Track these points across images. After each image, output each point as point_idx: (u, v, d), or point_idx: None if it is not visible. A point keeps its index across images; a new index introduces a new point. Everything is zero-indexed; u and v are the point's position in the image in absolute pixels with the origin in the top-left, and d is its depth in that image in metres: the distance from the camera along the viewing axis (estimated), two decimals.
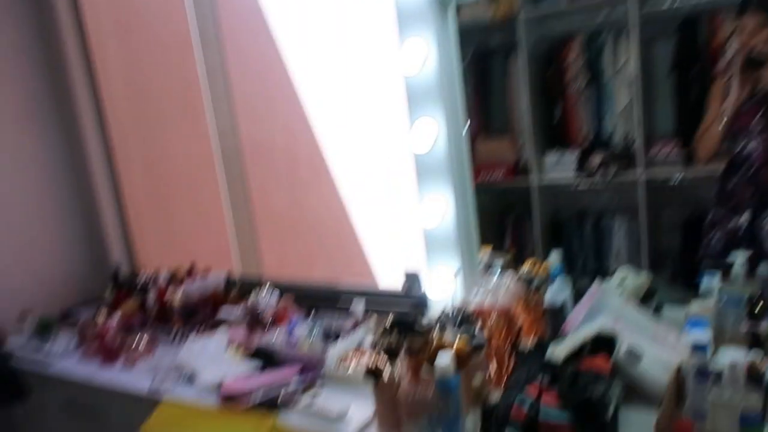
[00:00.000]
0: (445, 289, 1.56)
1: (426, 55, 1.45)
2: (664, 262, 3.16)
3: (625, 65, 3.10)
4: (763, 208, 2.12)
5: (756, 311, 1.27)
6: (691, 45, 2.40)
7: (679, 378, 1.14)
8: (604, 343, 1.19)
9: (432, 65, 1.46)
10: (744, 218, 2.12)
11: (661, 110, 3.25)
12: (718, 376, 1.04)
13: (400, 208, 1.98)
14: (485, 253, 1.80)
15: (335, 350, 1.57)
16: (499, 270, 1.64)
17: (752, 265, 1.44)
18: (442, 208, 1.54)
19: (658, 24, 3.07)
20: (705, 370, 1.05)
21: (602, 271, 3.31)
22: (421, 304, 1.67)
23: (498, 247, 3.51)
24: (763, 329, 1.21)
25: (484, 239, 3.58)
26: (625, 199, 3.47)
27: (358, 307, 1.77)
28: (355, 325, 1.72)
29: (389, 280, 2.05)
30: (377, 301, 1.81)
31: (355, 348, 1.60)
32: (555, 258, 1.54)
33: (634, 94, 3.07)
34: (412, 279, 1.75)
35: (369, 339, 1.61)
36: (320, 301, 1.97)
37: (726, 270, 1.42)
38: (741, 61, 1.97)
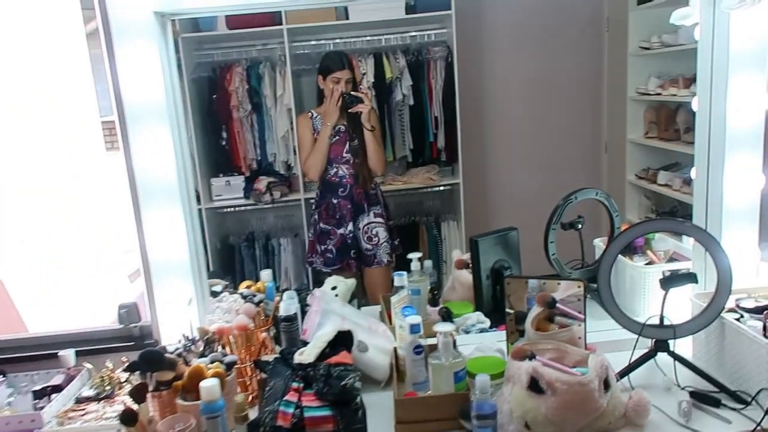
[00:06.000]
0: (179, 315, 1.42)
1: (153, 69, 1.28)
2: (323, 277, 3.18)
3: (282, 95, 3.24)
4: (357, 217, 2.63)
5: (435, 297, 1.59)
6: None
7: (397, 358, 1.36)
8: (342, 340, 1.27)
9: (159, 78, 1.29)
10: (349, 227, 2.60)
11: None
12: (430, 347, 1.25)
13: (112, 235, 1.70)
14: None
15: (51, 409, 1.29)
16: (221, 291, 1.61)
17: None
18: (175, 230, 1.37)
19: (306, 60, 3.29)
20: (420, 346, 1.27)
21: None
22: (144, 336, 1.50)
23: None
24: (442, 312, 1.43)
25: None
26: (288, 219, 3.63)
27: (68, 354, 1.45)
28: (70, 376, 1.44)
29: (103, 315, 1.76)
30: (92, 339, 1.54)
31: (77, 400, 1.35)
32: (267, 276, 1.65)
33: (291, 124, 3.22)
34: (129, 310, 1.54)
35: (88, 387, 1.37)
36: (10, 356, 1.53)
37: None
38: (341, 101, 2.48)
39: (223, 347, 1.34)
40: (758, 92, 1.33)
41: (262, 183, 3.34)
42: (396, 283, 1.59)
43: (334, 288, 1.65)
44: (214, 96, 3.27)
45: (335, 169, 2.57)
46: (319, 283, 3.29)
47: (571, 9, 3.45)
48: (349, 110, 2.47)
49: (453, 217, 3.52)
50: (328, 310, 1.42)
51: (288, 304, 1.42)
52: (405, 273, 1.61)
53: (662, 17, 2.81)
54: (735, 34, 1.31)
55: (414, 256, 1.73)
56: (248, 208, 3.44)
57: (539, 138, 3.65)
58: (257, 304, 1.58)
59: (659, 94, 2.94)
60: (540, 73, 3.56)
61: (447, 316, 1.36)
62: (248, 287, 1.69)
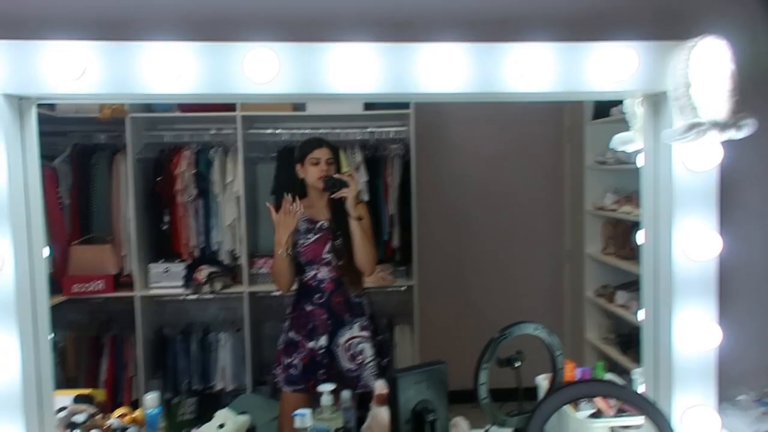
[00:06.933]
0: None
1: None
2: (266, 377, 2.90)
3: (232, 182, 3.04)
4: (337, 330, 2.17)
5: None
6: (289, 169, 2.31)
7: None
8: None
9: (0, 174, 1.06)
10: (322, 341, 2.14)
11: (264, 228, 3.17)
12: None
13: None
14: (65, 406, 1.40)
15: None
16: (83, 422, 1.31)
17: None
18: (1, 354, 1.09)
19: (260, 148, 3.15)
20: None
21: (207, 393, 3.14)
22: None
23: (94, 374, 3.10)
24: None
25: (76, 364, 2.94)
26: (230, 312, 3.29)
27: None
28: None
29: None
30: None
31: None
32: (152, 402, 1.35)
33: (240, 211, 3.03)
34: None
35: None
36: None
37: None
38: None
39: None
40: (707, 234, 1.16)
41: (203, 273, 3.09)
42: (296, 425, 1.32)
43: (221, 426, 1.36)
44: (159, 178, 3.08)
45: (314, 272, 2.15)
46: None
47: (532, 117, 3.40)
48: (332, 196, 2.11)
49: (407, 321, 3.27)
50: None
51: None
52: (308, 411, 1.35)
53: (616, 132, 2.79)
54: (679, 168, 1.15)
55: (325, 388, 1.47)
56: (188, 297, 3.16)
57: (499, 244, 3.51)
58: None
59: (615, 210, 2.82)
60: (500, 178, 3.48)
61: None
62: (122, 416, 1.41)
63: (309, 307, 2.16)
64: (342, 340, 2.15)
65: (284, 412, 2.17)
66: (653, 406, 1.07)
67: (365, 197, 3.12)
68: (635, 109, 1.27)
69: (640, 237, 1.30)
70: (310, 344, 2.14)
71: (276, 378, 2.21)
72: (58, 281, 2.91)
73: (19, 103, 1.08)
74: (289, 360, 2.16)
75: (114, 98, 1.13)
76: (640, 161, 1.28)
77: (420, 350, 3.13)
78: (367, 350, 2.16)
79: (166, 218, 3.09)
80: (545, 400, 1.13)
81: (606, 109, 2.75)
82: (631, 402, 1.09)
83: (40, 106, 1.12)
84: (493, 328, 1.47)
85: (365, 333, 2.18)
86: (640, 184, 1.28)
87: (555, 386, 1.45)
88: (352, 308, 2.18)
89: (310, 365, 2.13)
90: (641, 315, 1.30)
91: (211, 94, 1.07)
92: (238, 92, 1.07)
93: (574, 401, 1.39)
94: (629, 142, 1.31)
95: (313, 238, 2.15)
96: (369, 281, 3.07)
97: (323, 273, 2.15)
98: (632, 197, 2.67)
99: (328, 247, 2.15)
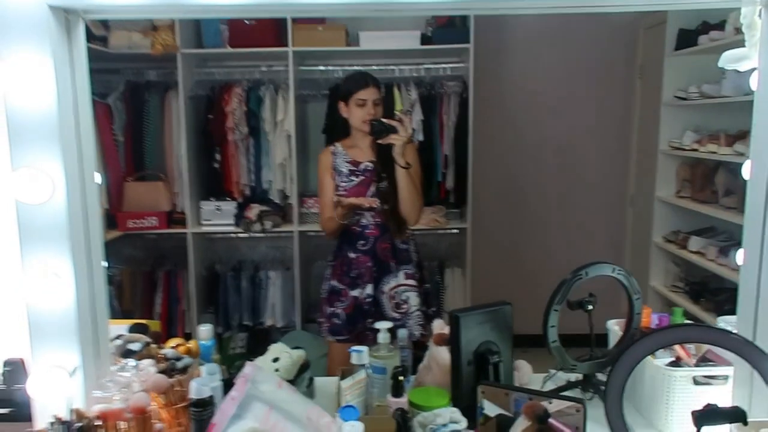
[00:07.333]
0: (57, 388, 1.07)
1: (41, 79, 0.98)
2: (314, 315, 2.83)
3: (283, 120, 2.91)
4: (382, 278, 2.06)
5: (398, 385, 1.20)
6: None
7: None
8: None
9: (49, 93, 0.99)
10: (368, 290, 2.05)
11: (314, 167, 3.04)
12: None
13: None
14: (121, 334, 1.37)
15: None
16: (138, 351, 1.26)
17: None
18: (57, 280, 1.04)
19: (312, 85, 3.03)
20: None
21: (258, 329, 3.18)
22: (22, 404, 1.16)
23: (149, 307, 3.17)
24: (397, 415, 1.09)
25: (132, 298, 2.97)
26: (280, 251, 3.26)
27: None
28: None
29: None
30: None
31: None
32: (206, 333, 1.31)
33: (290, 150, 2.92)
34: (14, 369, 1.22)
35: None
36: None
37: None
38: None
39: None
40: None
41: (254, 211, 3.07)
42: (353, 361, 1.26)
43: (276, 360, 1.32)
44: (210, 116, 3.04)
45: (357, 216, 2.02)
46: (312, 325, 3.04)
47: (601, 52, 3.17)
48: (379, 141, 1.91)
49: (459, 264, 3.19)
50: (253, 396, 1.08)
51: (201, 383, 1.10)
52: (365, 349, 1.28)
53: (702, 65, 2.51)
54: None
55: (382, 325, 1.41)
56: (238, 235, 3.18)
57: (558, 187, 3.34)
58: (179, 371, 1.27)
59: (695, 150, 2.58)
60: (563, 117, 3.27)
61: (402, 423, 1.02)
62: (176, 347, 1.39)
63: (352, 254, 2.04)
64: (387, 288, 2.05)
65: (332, 357, 2.14)
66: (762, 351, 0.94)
67: (420, 137, 2.99)
68: (755, 19, 1.08)
69: (746, 170, 1.14)
70: (354, 293, 2.04)
71: (320, 327, 2.14)
72: (113, 217, 2.96)
73: (65, 17, 1.00)
74: (332, 309, 2.07)
75: (161, 11, 1.05)
76: (754, 82, 1.10)
77: (471, 293, 3.06)
78: (413, 299, 2.06)
79: (218, 156, 3.06)
80: (639, 341, 1.03)
81: (692, 38, 2.48)
82: (739, 351, 0.96)
83: (92, 40, 1.04)
84: (548, 274, 1.37)
85: (411, 281, 2.07)
86: (751, 110, 1.11)
87: (637, 332, 1.33)
88: (397, 255, 2.06)
89: (355, 315, 2.04)
90: (739, 257, 1.16)
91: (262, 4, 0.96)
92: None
93: (670, 346, 1.27)
94: (743, 59, 1.12)
95: (355, 181, 2.02)
96: (421, 224, 3.00)
97: (367, 218, 2.03)
98: (718, 136, 2.43)
99: (371, 190, 2.00)
